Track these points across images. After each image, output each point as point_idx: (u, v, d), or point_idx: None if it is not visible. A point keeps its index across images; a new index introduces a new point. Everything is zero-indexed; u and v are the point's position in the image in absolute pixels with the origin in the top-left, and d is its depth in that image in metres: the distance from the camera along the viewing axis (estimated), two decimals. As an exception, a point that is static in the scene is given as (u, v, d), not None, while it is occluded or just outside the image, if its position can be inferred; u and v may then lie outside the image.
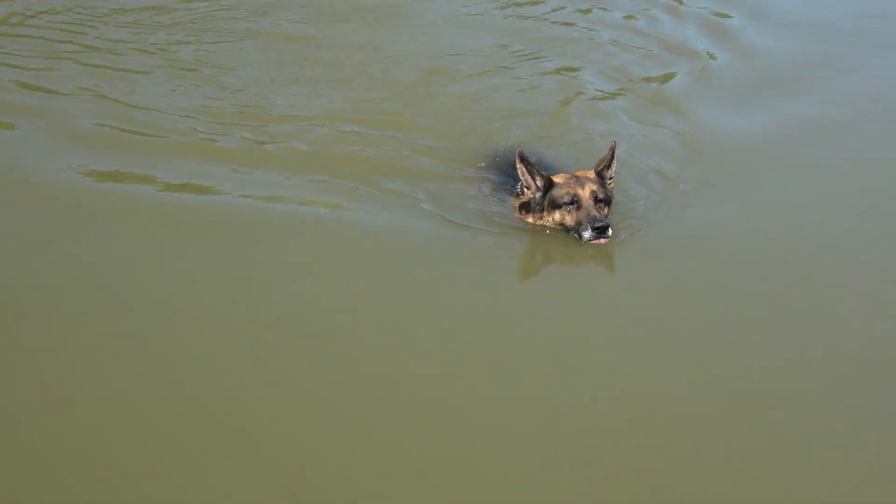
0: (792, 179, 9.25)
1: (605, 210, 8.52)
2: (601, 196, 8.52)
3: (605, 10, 13.54)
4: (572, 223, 8.51)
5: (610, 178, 8.71)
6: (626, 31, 13.02)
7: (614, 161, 8.94)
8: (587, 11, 13.36)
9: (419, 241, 8.02)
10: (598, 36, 12.76)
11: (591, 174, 8.66)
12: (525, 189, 8.63)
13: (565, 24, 12.99)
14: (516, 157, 8.59)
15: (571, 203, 8.51)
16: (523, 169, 8.60)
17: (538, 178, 8.60)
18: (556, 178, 8.70)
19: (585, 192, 8.52)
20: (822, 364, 6.34)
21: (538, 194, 8.62)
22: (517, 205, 8.85)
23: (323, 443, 5.36)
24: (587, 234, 8.35)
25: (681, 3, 13.70)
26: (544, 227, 8.58)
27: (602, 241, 8.23)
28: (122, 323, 6.38)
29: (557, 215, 8.62)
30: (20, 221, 7.53)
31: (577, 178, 8.69)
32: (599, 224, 8.32)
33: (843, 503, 5.24)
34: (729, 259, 7.94)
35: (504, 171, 9.31)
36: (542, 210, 8.64)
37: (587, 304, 7.47)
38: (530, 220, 8.71)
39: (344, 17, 12.77)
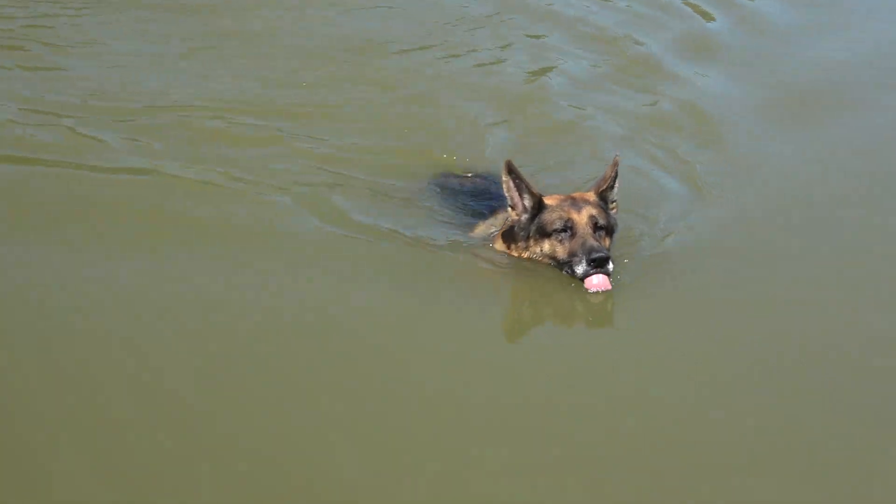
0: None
1: (607, 241, 7.07)
2: (602, 222, 7.00)
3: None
4: (564, 255, 6.96)
5: (613, 202, 7.27)
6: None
7: (617, 180, 7.23)
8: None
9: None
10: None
11: (591, 196, 7.19)
12: (509, 208, 7.17)
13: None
14: (503, 168, 7.10)
15: (564, 230, 6.98)
16: (510, 183, 7.09)
17: (527, 197, 7.11)
18: (548, 200, 7.19)
19: (582, 217, 6.97)
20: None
21: (524, 217, 7.13)
22: (492, 232, 7.47)
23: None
24: (581, 269, 6.81)
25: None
26: (530, 260, 7.17)
27: (599, 281, 6.78)
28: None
29: (547, 245, 7.04)
30: None
31: (574, 199, 7.14)
32: (597, 255, 6.76)
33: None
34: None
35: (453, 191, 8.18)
36: (528, 238, 7.11)
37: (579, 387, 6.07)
38: (513, 251, 7.25)
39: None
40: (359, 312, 6.54)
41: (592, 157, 8.84)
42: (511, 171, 7.09)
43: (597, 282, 6.76)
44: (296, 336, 6.23)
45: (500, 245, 7.32)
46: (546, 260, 7.06)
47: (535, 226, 7.06)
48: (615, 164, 7.16)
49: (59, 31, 10.33)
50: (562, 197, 7.16)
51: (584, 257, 6.78)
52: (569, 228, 6.94)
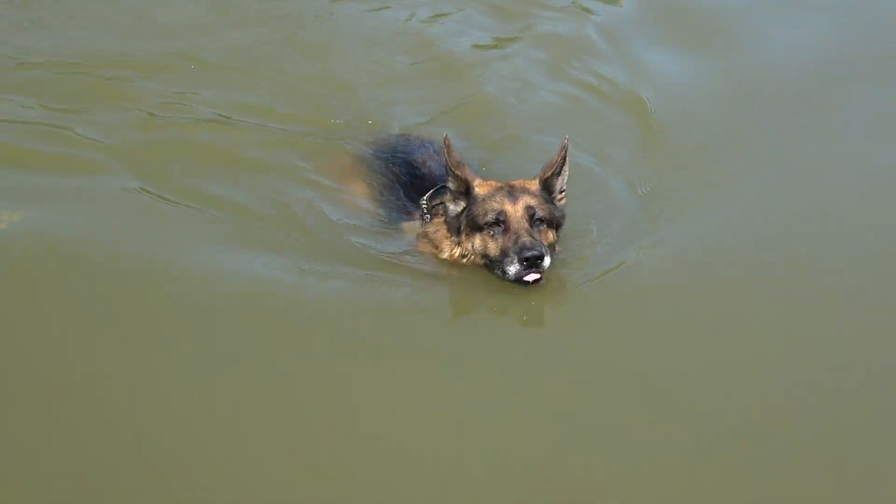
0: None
1: (550, 235, 6.21)
2: (541, 214, 6.13)
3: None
4: (496, 253, 6.06)
5: (562, 192, 6.36)
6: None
7: (566, 166, 6.32)
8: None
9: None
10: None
11: (532, 184, 6.27)
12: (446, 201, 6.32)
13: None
14: (442, 143, 6.18)
15: (496, 223, 6.07)
16: (450, 163, 6.19)
17: (454, 180, 6.22)
18: (480, 188, 6.25)
19: (517, 209, 6.08)
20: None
21: (456, 206, 6.23)
22: (422, 230, 6.50)
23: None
24: (513, 269, 5.95)
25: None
26: (461, 260, 6.26)
27: (533, 278, 5.94)
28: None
29: (477, 241, 6.15)
30: None
31: (511, 188, 6.23)
32: (530, 253, 5.87)
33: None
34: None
35: (389, 170, 7.12)
36: (459, 233, 6.20)
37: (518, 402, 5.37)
38: (444, 251, 6.30)
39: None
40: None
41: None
42: (449, 148, 6.15)
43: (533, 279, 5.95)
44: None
45: (428, 246, 6.36)
46: (479, 260, 6.16)
47: (466, 218, 6.13)
48: (563, 149, 6.24)
49: None
50: (497, 184, 6.24)
51: (516, 256, 5.88)
52: (501, 222, 6.02)
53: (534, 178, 6.23)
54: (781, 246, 6.52)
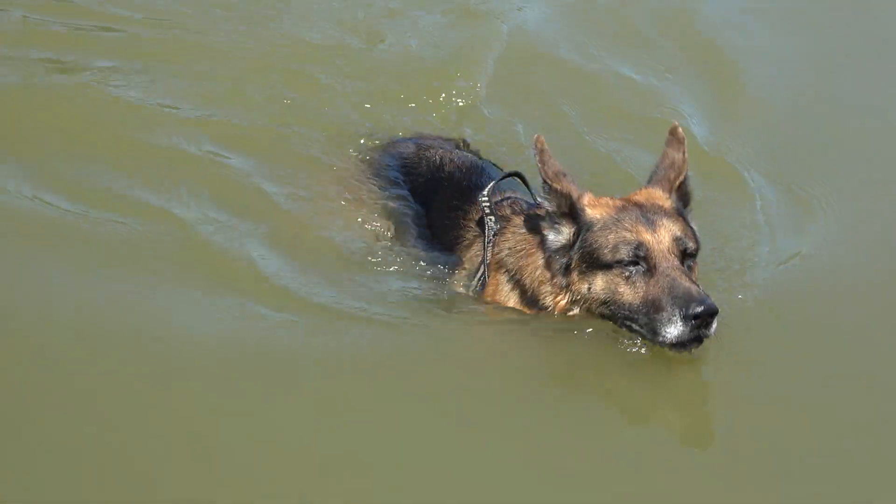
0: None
1: (695, 272, 4.53)
2: (691, 247, 4.47)
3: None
4: (636, 302, 4.34)
5: (690, 208, 4.72)
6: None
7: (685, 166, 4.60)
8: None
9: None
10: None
11: (664, 200, 4.58)
12: (538, 220, 4.61)
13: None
14: (534, 145, 4.59)
15: (635, 262, 4.34)
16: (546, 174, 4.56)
17: (554, 197, 4.53)
18: (593, 208, 4.50)
19: (661, 240, 4.40)
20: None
21: (558, 234, 4.48)
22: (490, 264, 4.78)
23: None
24: (674, 331, 4.26)
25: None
26: (564, 312, 4.54)
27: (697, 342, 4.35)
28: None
29: (600, 283, 4.41)
30: None
31: (641, 208, 4.50)
32: (700, 309, 4.22)
33: None
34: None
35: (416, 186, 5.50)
36: (569, 272, 4.44)
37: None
38: (545, 297, 4.55)
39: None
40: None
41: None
42: (544, 152, 4.49)
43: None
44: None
45: (504, 295, 4.57)
46: (598, 308, 4.40)
47: (580, 251, 4.30)
48: (679, 137, 4.50)
49: None
50: (616, 202, 4.45)
51: (679, 311, 4.14)
52: (642, 258, 4.23)
53: (659, 188, 4.46)
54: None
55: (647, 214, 4.34)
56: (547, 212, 4.43)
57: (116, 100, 6.25)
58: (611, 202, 4.47)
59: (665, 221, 4.32)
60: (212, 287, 4.84)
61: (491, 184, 4.83)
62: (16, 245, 5.06)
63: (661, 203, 4.43)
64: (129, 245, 5.08)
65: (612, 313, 4.38)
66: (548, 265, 4.46)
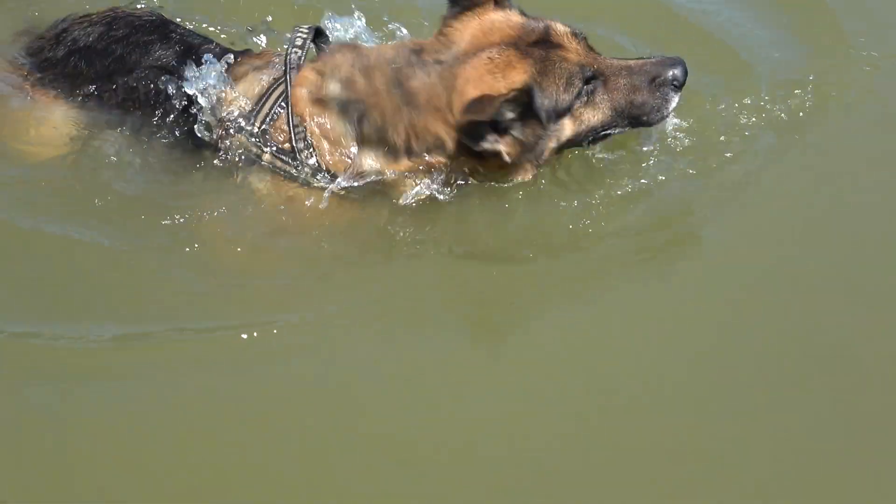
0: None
1: None
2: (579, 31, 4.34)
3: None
4: (641, 100, 4.29)
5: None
6: None
7: None
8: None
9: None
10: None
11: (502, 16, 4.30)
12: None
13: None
14: None
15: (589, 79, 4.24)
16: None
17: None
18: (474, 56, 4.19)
19: (577, 48, 4.29)
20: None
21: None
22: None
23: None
24: (673, 104, 4.32)
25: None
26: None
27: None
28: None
29: (591, 114, 4.31)
30: None
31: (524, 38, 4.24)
32: (681, 68, 4.28)
33: None
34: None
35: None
36: (535, 143, 4.27)
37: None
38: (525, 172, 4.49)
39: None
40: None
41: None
42: None
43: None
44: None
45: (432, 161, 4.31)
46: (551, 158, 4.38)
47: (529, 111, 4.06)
48: None
49: None
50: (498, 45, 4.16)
51: (669, 79, 4.25)
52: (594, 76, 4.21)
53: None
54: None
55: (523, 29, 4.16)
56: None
57: None
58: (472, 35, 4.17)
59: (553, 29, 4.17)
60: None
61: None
62: None
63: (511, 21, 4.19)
64: None
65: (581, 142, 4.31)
66: (518, 150, 4.21)
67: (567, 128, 4.21)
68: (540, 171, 4.41)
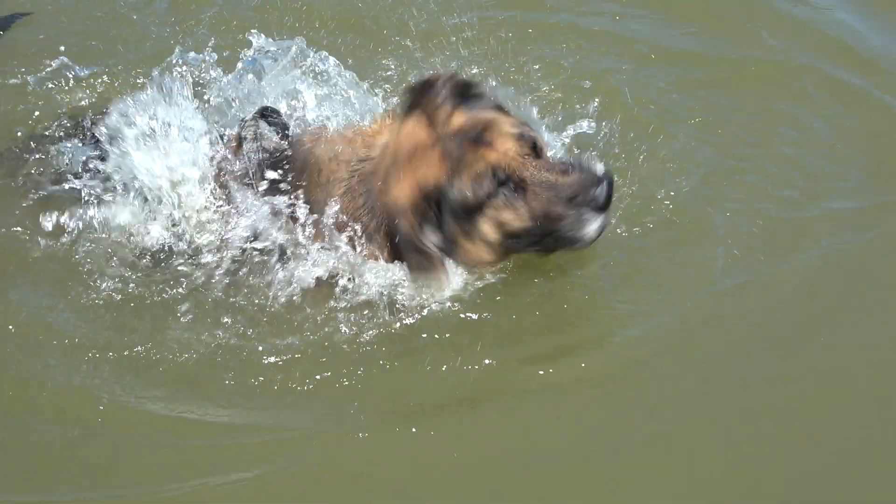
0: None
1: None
2: (533, 134, 4.23)
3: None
4: (530, 223, 4.15)
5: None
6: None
7: None
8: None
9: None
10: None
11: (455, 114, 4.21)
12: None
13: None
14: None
15: (504, 184, 4.12)
16: None
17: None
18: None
19: (506, 145, 4.15)
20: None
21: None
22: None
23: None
24: (594, 225, 4.12)
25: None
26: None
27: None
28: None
29: (486, 227, 4.17)
30: None
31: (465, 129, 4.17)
32: (604, 187, 4.08)
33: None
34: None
35: None
36: (458, 234, 4.18)
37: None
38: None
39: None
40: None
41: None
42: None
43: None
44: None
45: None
46: (486, 254, 4.26)
47: (451, 216, 4.14)
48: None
49: None
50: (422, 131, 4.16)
51: (587, 199, 4.06)
52: (507, 180, 4.08)
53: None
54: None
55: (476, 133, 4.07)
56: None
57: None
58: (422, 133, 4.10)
59: (494, 124, 4.07)
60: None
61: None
62: None
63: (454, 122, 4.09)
64: None
65: (520, 246, 4.18)
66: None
67: (486, 229, 4.09)
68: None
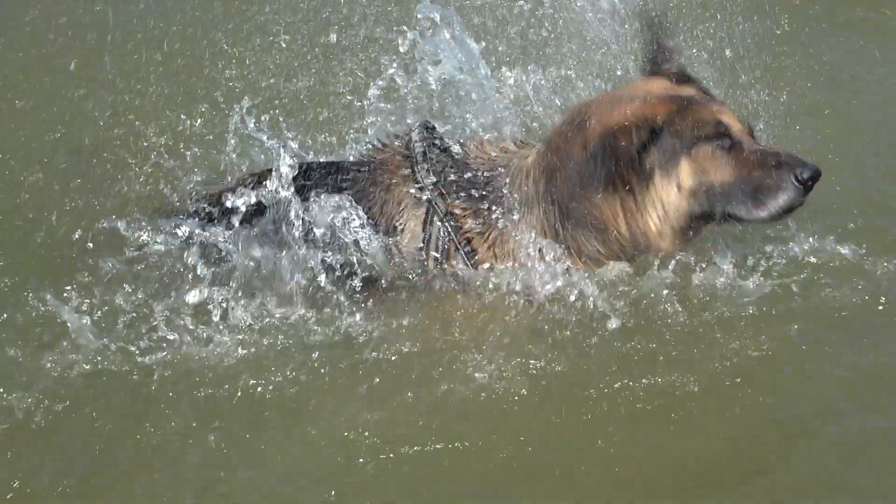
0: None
1: None
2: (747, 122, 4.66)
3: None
4: (756, 175, 4.36)
5: None
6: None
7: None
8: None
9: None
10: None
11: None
12: None
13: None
14: None
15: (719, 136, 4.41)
16: None
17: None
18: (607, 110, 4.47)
19: (731, 115, 4.51)
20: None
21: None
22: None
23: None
24: (784, 196, 4.31)
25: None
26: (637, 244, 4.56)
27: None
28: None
29: (688, 169, 4.42)
30: None
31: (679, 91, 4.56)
32: (814, 171, 4.30)
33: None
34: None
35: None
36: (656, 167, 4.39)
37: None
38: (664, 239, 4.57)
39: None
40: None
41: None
42: None
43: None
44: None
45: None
46: (670, 197, 4.40)
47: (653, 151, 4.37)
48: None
49: None
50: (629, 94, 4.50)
51: (792, 174, 4.29)
52: (723, 133, 4.38)
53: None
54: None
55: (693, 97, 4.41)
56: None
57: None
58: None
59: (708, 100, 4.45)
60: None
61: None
62: None
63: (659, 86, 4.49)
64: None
65: (703, 206, 4.36)
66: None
67: (685, 170, 4.34)
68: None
